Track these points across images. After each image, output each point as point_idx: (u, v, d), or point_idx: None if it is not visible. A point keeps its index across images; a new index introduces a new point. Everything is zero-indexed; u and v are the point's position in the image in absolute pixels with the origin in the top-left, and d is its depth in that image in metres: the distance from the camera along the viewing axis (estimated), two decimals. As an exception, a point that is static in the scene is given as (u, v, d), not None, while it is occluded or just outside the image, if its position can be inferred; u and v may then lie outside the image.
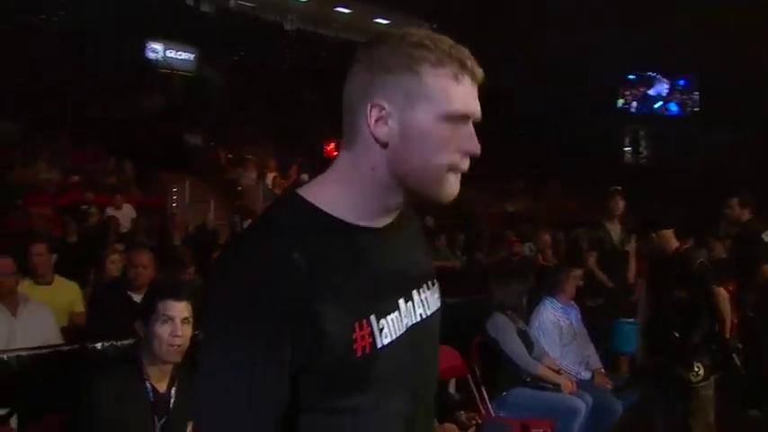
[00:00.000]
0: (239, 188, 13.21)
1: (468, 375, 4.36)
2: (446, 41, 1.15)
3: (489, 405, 4.19)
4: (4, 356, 2.83)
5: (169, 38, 21.31)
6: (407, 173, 1.14)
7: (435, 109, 1.12)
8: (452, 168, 1.15)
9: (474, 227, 12.85)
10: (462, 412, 3.50)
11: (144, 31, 20.57)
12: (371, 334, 1.10)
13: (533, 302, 4.85)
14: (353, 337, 1.08)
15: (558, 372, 4.41)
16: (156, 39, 20.69)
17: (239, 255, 1.10)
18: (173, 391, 2.43)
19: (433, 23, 30.54)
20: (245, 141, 16.22)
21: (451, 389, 4.52)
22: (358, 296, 1.11)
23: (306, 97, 21.36)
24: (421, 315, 1.23)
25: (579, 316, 4.98)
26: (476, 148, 1.16)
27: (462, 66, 1.14)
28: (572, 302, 4.93)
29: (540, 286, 5.19)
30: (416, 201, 1.20)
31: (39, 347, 3.21)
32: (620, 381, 4.88)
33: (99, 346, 3.02)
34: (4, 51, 14.18)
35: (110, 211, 9.57)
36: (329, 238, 1.12)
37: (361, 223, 1.17)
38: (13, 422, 2.83)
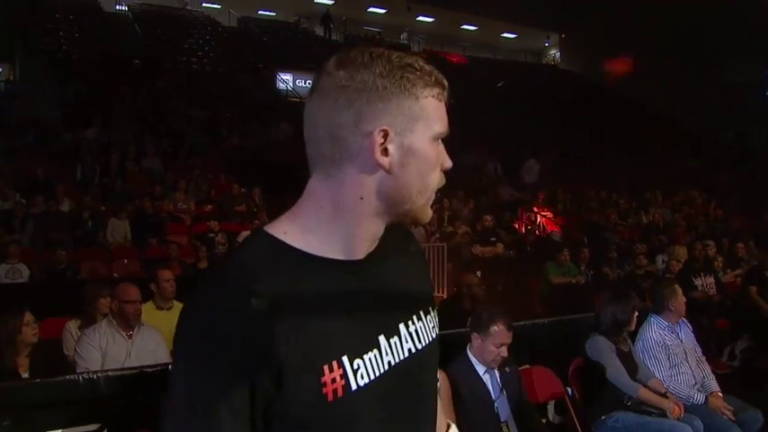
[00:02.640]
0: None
1: (567, 398, 4.22)
2: (422, 61, 1.14)
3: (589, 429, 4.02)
4: (94, 376, 3.05)
5: (299, 67, 22.20)
6: (405, 197, 1.11)
7: (430, 130, 1.11)
8: (438, 187, 1.15)
9: (603, 240, 12.33)
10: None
11: (275, 62, 21.57)
12: (344, 376, 1.04)
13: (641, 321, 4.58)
14: (322, 380, 1.02)
15: (664, 395, 4.13)
16: (285, 69, 21.60)
17: (196, 299, 1.05)
18: None
19: (562, 34, 30.09)
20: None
21: (551, 412, 4.37)
22: (328, 336, 1.05)
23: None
24: (410, 350, 1.17)
25: (692, 334, 4.66)
26: (450, 162, 1.16)
27: (443, 86, 1.14)
28: (682, 320, 4.61)
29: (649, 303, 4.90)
30: (403, 224, 1.19)
31: (122, 369, 3.45)
32: (740, 404, 4.49)
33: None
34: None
35: (240, 238, 10.05)
36: (296, 275, 1.06)
37: (338, 257, 1.11)
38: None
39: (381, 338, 1.12)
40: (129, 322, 4.40)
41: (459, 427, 3.07)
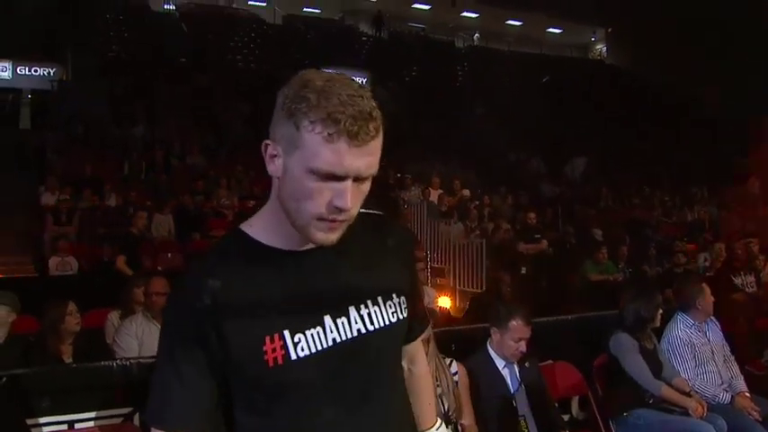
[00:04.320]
0: (405, 207, 13.52)
1: (590, 394, 4.26)
2: (337, 98, 1.19)
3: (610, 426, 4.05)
4: (127, 363, 3.23)
5: (344, 64, 22.35)
6: (286, 209, 1.27)
7: (304, 162, 1.21)
8: (319, 218, 1.23)
9: (644, 237, 12.20)
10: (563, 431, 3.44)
11: (320, 59, 21.76)
12: (284, 347, 1.25)
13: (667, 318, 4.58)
14: (264, 348, 1.24)
15: (688, 394, 4.10)
16: (330, 66, 21.77)
17: (176, 285, 1.37)
18: None
19: (608, 29, 29.65)
20: (416, 159, 16.57)
21: (575, 408, 4.41)
22: (272, 313, 1.26)
23: (479, 112, 21.45)
24: (359, 330, 1.32)
25: (720, 333, 4.62)
26: (343, 204, 1.22)
27: (337, 126, 1.18)
28: (711, 318, 4.58)
29: (675, 301, 4.86)
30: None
31: (153, 356, 3.61)
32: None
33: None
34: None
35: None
36: (250, 263, 1.29)
37: (285, 247, 1.31)
38: (136, 420, 3.24)
39: (327, 318, 1.29)
40: (157, 314, 4.56)
41: (477, 418, 3.15)
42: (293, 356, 1.25)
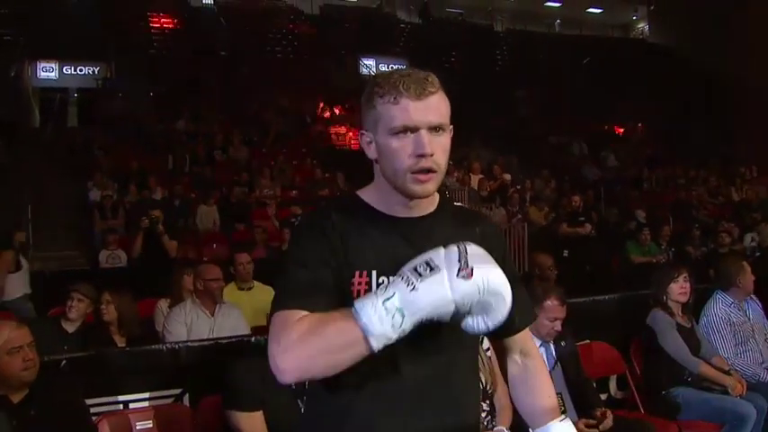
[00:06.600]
0: (446, 192, 13.57)
1: (628, 373, 4.29)
2: (397, 74, 1.49)
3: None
4: (176, 346, 3.39)
5: (383, 52, 22.41)
6: (389, 180, 1.51)
7: (385, 129, 1.48)
8: (412, 171, 1.46)
9: (688, 218, 12.05)
10: (599, 409, 3.49)
11: (358, 47, 21.86)
12: (368, 283, 1.46)
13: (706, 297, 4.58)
14: (352, 280, 1.46)
15: (727, 372, 4.11)
16: (369, 54, 21.86)
17: (306, 215, 1.77)
18: None
19: (650, 6, 29.03)
20: (456, 145, 16.58)
21: (613, 387, 4.45)
22: (365, 255, 1.48)
23: (520, 96, 21.30)
24: None
25: (762, 312, 4.60)
26: (422, 149, 1.44)
27: (397, 90, 1.45)
28: (751, 297, 4.56)
29: (715, 279, 4.84)
30: (409, 198, 1.51)
31: (201, 340, 3.78)
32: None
33: (253, 339, 3.49)
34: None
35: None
36: (359, 215, 1.54)
37: (386, 212, 1.55)
38: (186, 401, 3.42)
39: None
40: (213, 299, 4.72)
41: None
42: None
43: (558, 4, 30.52)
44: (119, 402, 3.26)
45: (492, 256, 1.41)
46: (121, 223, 9.98)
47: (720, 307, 4.44)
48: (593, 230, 10.50)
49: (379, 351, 1.30)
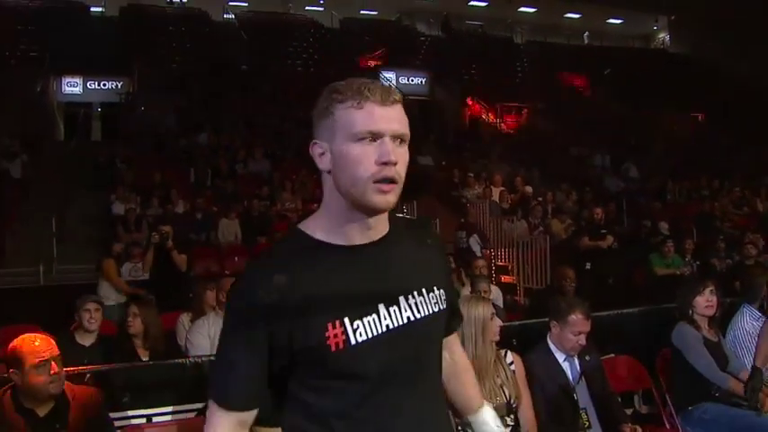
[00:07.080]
0: (467, 205, 13.52)
1: (653, 388, 4.23)
2: (359, 81, 1.43)
3: (675, 420, 4.02)
4: (199, 360, 3.40)
5: (402, 65, 22.49)
6: (345, 191, 1.42)
7: (345, 134, 1.41)
8: (375, 180, 1.39)
9: (712, 230, 11.90)
10: (628, 425, 3.45)
11: (379, 61, 21.95)
12: (345, 332, 1.39)
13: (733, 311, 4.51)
14: (326, 334, 1.38)
15: (756, 387, 4.04)
16: (389, 67, 21.95)
17: (241, 278, 1.49)
18: None
19: (671, 16, 28.89)
20: (477, 157, 16.55)
21: (638, 402, 4.39)
22: (333, 302, 1.39)
23: (539, 108, 21.26)
24: (408, 318, 1.46)
25: (790, 325, 4.50)
26: (386, 156, 1.38)
27: (361, 94, 1.40)
28: (778, 310, 4.49)
29: (741, 292, 4.77)
30: (367, 214, 1.44)
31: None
32: None
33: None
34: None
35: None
36: (310, 257, 1.44)
37: (338, 243, 1.46)
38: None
39: (381, 306, 1.44)
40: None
41: (537, 411, 3.21)
42: (353, 341, 1.39)
43: (578, 16, 30.47)
44: (142, 416, 3.27)
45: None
46: (144, 236, 10.03)
47: (748, 321, 4.36)
48: (615, 243, 10.40)
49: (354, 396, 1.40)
